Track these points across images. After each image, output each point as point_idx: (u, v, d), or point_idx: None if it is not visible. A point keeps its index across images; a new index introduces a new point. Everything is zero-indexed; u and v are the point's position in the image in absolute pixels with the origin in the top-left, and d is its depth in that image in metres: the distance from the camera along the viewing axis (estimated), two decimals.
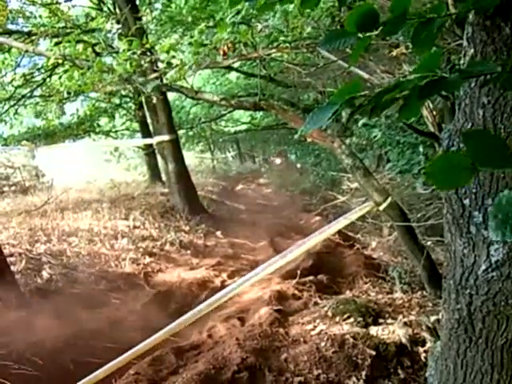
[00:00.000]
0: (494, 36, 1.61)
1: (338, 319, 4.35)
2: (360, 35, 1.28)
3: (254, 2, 1.82)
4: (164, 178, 12.64)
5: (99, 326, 4.97)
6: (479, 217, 1.83)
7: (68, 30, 8.72)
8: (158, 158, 12.56)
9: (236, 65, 10.07)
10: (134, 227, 8.80)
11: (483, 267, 1.85)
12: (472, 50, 1.70)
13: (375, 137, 5.87)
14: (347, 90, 1.19)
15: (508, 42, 1.58)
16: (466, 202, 1.86)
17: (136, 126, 15.27)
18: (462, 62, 1.80)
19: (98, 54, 7.39)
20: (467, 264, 1.91)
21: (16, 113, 12.13)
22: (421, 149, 5.33)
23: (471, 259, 1.89)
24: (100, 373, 3.22)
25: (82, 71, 5.83)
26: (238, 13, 4.58)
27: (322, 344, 3.93)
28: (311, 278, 6.01)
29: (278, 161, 26.22)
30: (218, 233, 9.60)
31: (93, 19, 9.81)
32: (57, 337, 4.57)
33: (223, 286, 6.08)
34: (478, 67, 1.25)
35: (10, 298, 5.06)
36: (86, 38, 8.98)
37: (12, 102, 11.37)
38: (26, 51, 7.65)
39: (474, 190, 1.82)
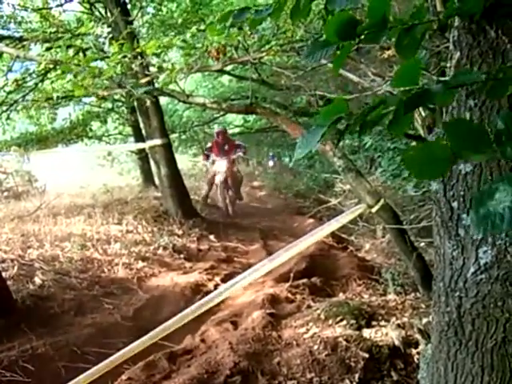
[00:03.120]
0: (480, 39, 1.62)
1: (330, 322, 4.35)
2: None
3: (241, 20, 1.83)
4: (157, 182, 12.62)
5: (91, 332, 4.95)
6: (468, 219, 1.83)
7: (59, 35, 8.70)
8: (151, 162, 12.54)
9: (228, 68, 10.08)
10: (127, 232, 8.78)
11: (472, 270, 1.86)
12: (458, 54, 1.70)
13: (366, 144, 5.90)
14: (333, 110, 1.20)
15: (493, 46, 1.59)
16: (455, 204, 1.87)
17: (129, 130, 15.24)
18: (448, 65, 1.81)
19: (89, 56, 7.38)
20: (456, 267, 1.92)
21: (8, 118, 12.07)
22: None
23: (460, 262, 1.90)
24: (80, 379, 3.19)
25: (74, 73, 5.81)
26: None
27: (315, 347, 3.93)
28: (304, 280, 6.00)
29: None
30: (211, 236, 9.58)
31: (84, 24, 9.79)
32: (49, 343, 4.55)
33: (216, 289, 6.08)
34: (463, 77, 1.25)
35: (1, 305, 5.05)
36: (77, 42, 8.98)
37: (4, 108, 11.32)
38: (17, 56, 7.61)
39: (462, 193, 1.83)
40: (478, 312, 1.89)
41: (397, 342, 3.95)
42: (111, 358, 3.38)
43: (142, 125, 12.19)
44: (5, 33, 9.83)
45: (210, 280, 6.71)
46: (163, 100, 13.07)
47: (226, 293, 3.86)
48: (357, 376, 3.62)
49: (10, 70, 10.36)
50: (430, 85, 1.17)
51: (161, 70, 5.40)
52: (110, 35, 7.41)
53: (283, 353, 3.97)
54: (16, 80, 10.60)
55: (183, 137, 17.68)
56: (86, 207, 10.57)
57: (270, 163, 26.03)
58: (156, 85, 6.29)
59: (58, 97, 7.20)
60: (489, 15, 1.56)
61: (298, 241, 3.87)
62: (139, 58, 5.44)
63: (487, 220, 0.96)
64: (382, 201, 4.11)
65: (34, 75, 10.85)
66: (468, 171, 1.78)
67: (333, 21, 1.23)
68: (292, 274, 6.10)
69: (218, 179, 11.79)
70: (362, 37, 1.25)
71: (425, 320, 4.01)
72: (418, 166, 1.09)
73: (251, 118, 18.58)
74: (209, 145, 12.71)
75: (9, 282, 5.67)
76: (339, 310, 4.52)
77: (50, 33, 8.65)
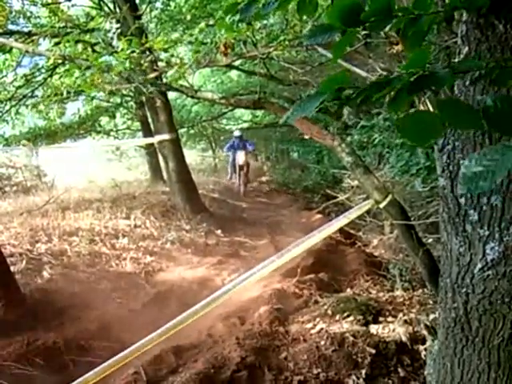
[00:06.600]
0: (488, 34, 1.60)
1: (338, 317, 4.35)
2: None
3: (249, 13, 1.82)
4: (165, 176, 12.63)
5: (100, 326, 4.97)
6: (475, 215, 1.82)
7: (68, 30, 8.70)
8: (160, 157, 12.55)
9: (237, 63, 10.06)
10: (135, 226, 8.79)
11: (479, 266, 1.85)
12: (466, 48, 1.69)
13: (374, 139, 5.87)
14: (335, 81, 1.19)
15: (502, 40, 1.58)
16: (462, 200, 1.86)
17: (137, 125, 15.26)
18: (457, 60, 1.80)
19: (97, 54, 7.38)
20: (463, 263, 1.91)
21: (17, 113, 12.11)
22: (419, 150, 5.33)
23: (467, 258, 1.89)
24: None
25: (82, 70, 5.82)
26: (237, 12, 4.57)
27: (322, 342, 3.93)
28: (312, 276, 6.00)
29: None
30: (219, 231, 9.58)
31: (93, 19, 9.79)
32: (57, 336, 4.57)
33: (224, 284, 6.08)
34: (468, 63, 1.24)
35: (10, 299, 5.07)
36: (86, 37, 8.99)
37: (13, 102, 11.35)
38: (26, 51, 7.63)
39: None
40: (484, 308, 1.88)
41: (404, 338, 3.94)
42: (121, 354, 3.37)
43: (150, 120, 12.21)
44: (14, 28, 9.82)
45: (217, 275, 6.73)
46: (171, 95, 13.05)
47: (236, 289, 3.85)
48: (364, 372, 3.62)
49: (19, 65, 10.39)
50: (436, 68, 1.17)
51: (169, 65, 5.40)
52: (119, 30, 7.42)
53: (290, 348, 3.97)
54: (25, 75, 10.66)
55: (191, 131, 17.70)
56: (95, 202, 10.58)
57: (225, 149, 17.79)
58: (164, 80, 6.30)
59: (67, 91, 7.20)
60: (497, 10, 1.54)
61: (306, 237, 3.85)
62: (148, 53, 5.44)
63: (472, 181, 1.01)
64: (389, 196, 4.09)
65: (42, 70, 10.87)
66: None
67: (336, 5, 1.22)
68: (299, 270, 6.09)
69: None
70: (367, 24, 1.23)
71: (432, 316, 4.00)
72: (411, 131, 1.13)
73: (260, 112, 18.55)
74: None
75: (17, 276, 5.69)
76: (346, 305, 4.51)
77: (59, 28, 8.65)
